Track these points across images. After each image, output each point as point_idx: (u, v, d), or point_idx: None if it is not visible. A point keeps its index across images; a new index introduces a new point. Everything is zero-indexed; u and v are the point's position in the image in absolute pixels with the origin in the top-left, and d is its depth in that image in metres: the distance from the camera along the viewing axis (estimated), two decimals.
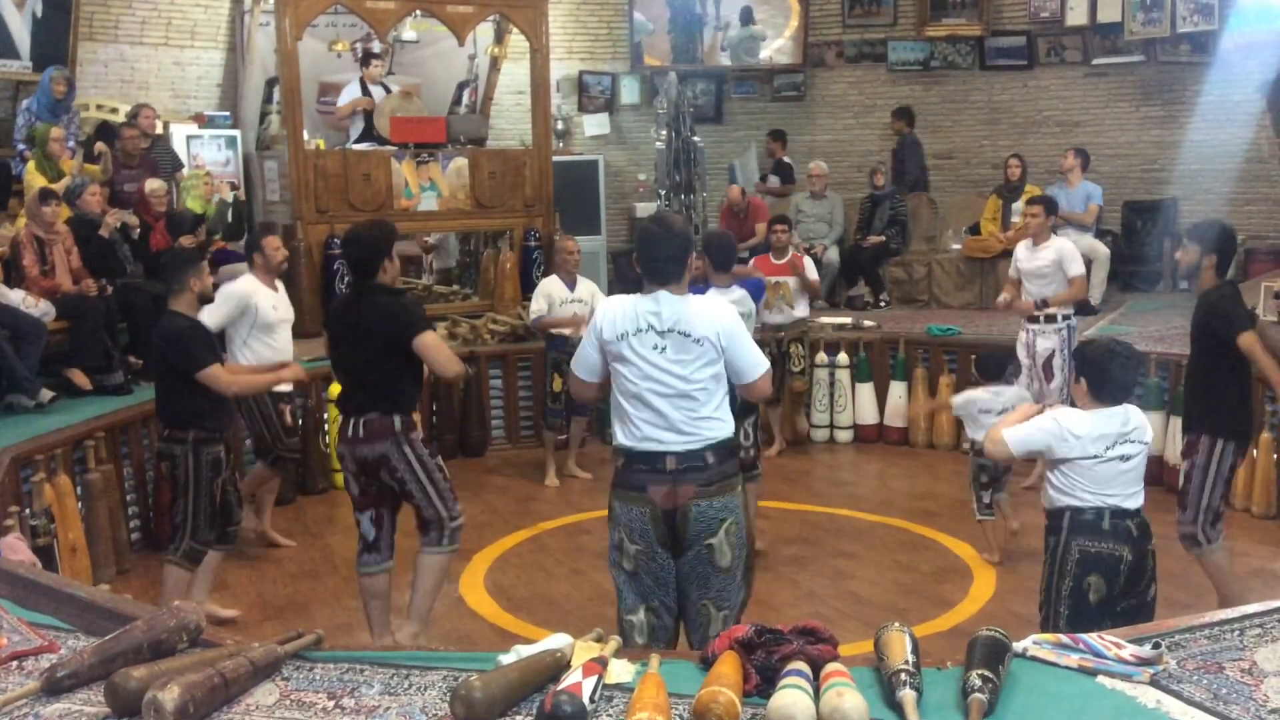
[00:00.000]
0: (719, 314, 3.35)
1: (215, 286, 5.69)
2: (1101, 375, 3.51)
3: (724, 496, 3.32)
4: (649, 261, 3.36)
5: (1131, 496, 3.48)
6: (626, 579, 3.41)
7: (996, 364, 6.06)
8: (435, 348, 4.35)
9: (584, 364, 3.48)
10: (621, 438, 3.37)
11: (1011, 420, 3.69)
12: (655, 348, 3.27)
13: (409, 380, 4.39)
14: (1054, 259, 6.62)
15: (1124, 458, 3.46)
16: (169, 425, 4.91)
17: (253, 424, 6.09)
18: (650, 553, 3.32)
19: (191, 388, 4.72)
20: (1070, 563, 3.48)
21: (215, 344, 5.05)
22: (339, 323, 4.50)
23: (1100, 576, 3.44)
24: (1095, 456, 3.44)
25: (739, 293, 5.88)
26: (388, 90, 9.68)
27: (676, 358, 3.27)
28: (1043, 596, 3.65)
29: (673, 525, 3.30)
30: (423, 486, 4.35)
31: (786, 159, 11.13)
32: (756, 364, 3.39)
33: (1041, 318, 6.72)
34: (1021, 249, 6.87)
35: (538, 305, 7.39)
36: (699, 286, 5.92)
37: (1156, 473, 7.03)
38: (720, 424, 3.34)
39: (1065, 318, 6.70)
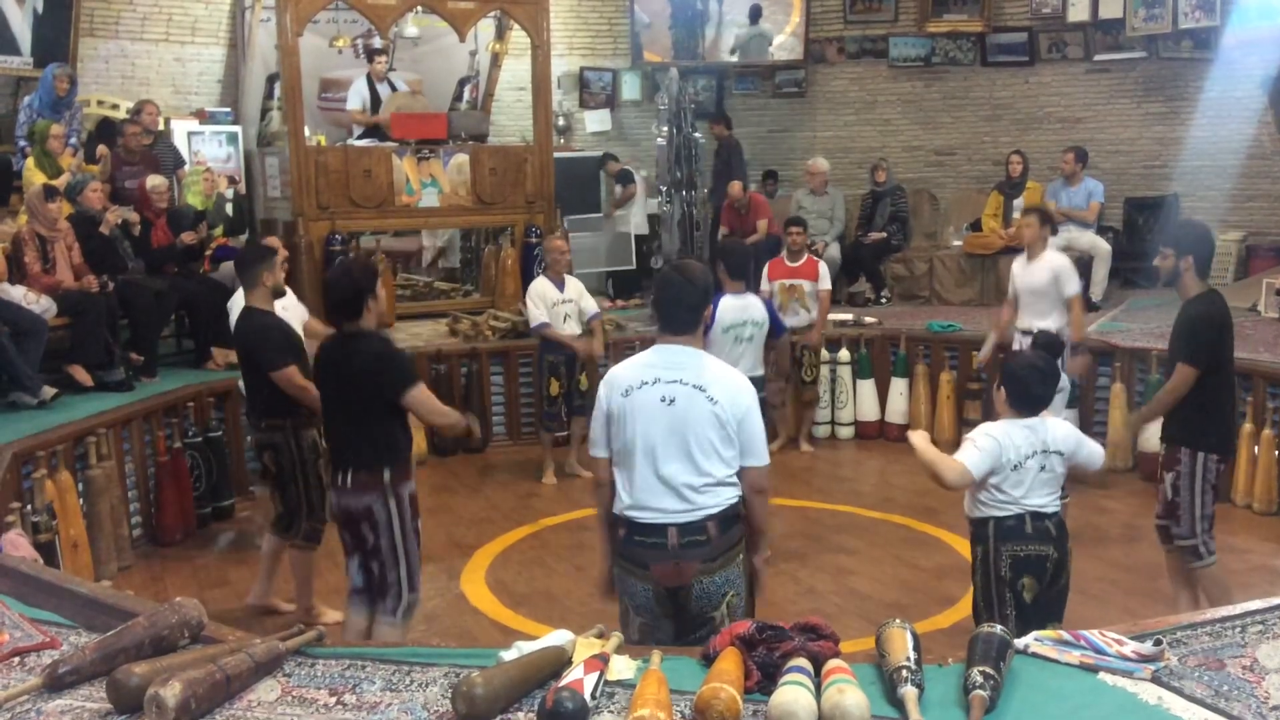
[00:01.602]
0: (740, 388, 3.19)
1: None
2: (1021, 387, 3.71)
3: (726, 569, 3.20)
4: (667, 308, 3.25)
5: (1049, 503, 3.66)
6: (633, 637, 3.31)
7: (1048, 343, 5.99)
8: (426, 403, 4.20)
9: (597, 440, 3.33)
10: (623, 504, 3.23)
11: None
12: (663, 399, 3.14)
13: (399, 429, 4.22)
14: (1049, 277, 6.46)
15: (1043, 467, 3.64)
16: (265, 416, 5.04)
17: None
18: (655, 624, 3.25)
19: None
20: (1004, 568, 3.63)
21: (296, 345, 5.02)
22: (327, 368, 4.31)
23: (1032, 577, 3.62)
24: (1016, 466, 3.61)
25: (753, 300, 5.88)
26: (394, 87, 9.68)
27: (686, 412, 3.12)
28: (979, 603, 3.76)
29: (676, 600, 3.20)
30: (395, 551, 4.18)
31: (625, 168, 10.90)
32: (760, 453, 3.23)
33: (1034, 330, 6.59)
34: (1017, 265, 6.66)
35: (536, 312, 7.20)
36: (715, 296, 5.92)
37: (1153, 470, 7.03)
38: (725, 489, 3.18)
39: (1059, 332, 6.56)
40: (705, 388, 3.13)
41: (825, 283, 7.85)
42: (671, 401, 3.14)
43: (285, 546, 5.25)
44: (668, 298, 3.27)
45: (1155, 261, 4.92)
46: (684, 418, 3.13)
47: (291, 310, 6.01)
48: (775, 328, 6.12)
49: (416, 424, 4.42)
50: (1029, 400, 3.71)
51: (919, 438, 3.84)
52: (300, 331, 5.97)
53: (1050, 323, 6.49)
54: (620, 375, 3.26)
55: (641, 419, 3.16)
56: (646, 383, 3.17)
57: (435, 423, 4.32)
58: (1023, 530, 3.61)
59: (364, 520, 4.18)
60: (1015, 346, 6.69)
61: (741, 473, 3.23)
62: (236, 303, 5.78)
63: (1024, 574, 3.60)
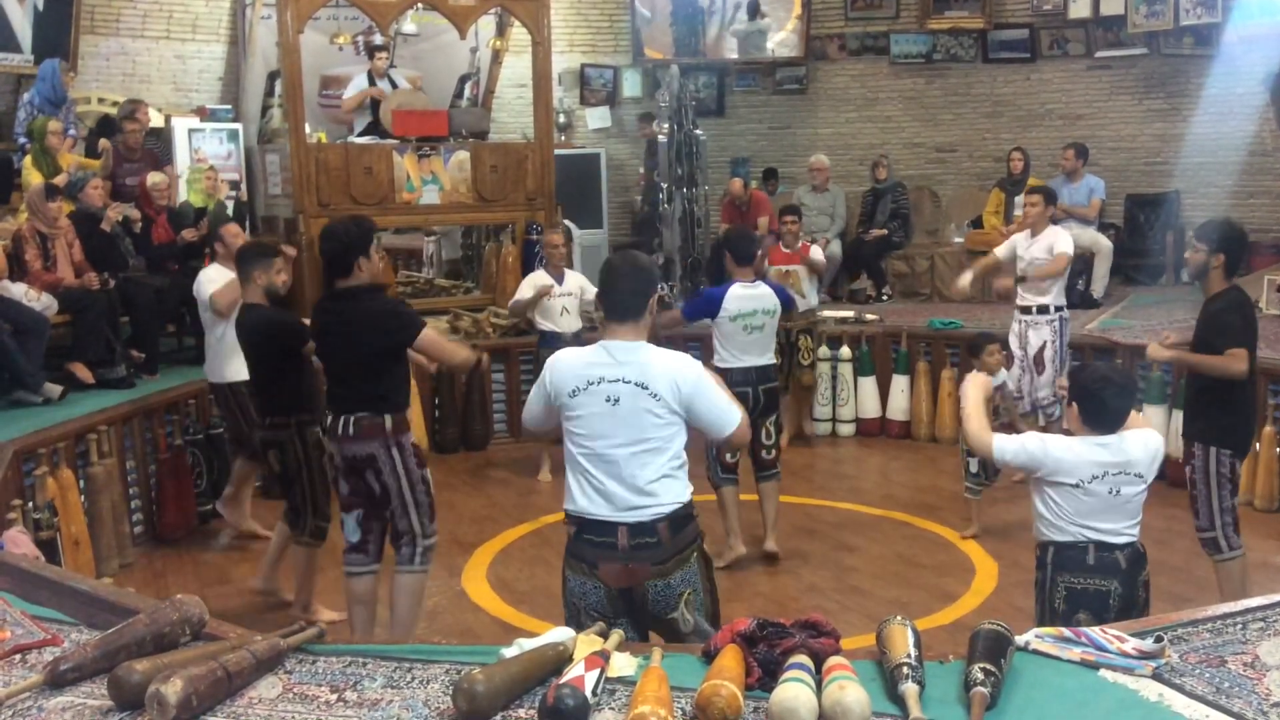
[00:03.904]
0: (680, 372, 3.10)
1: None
2: (1095, 403, 3.38)
3: (681, 570, 3.12)
4: (610, 294, 3.20)
5: (1122, 532, 3.35)
6: None
7: (988, 342, 6.24)
8: (437, 343, 4.36)
9: (532, 415, 3.30)
10: (571, 503, 3.17)
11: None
12: (608, 399, 3.07)
13: (401, 378, 4.30)
14: (1050, 252, 6.60)
15: (1114, 491, 3.31)
16: (270, 414, 5.03)
17: (229, 414, 6.10)
18: (611, 624, 3.07)
19: (285, 375, 4.84)
20: (1058, 599, 3.39)
21: (302, 330, 4.92)
22: (325, 322, 4.31)
23: (1089, 613, 3.31)
24: (1078, 485, 3.31)
25: (763, 288, 5.84)
26: (394, 84, 9.68)
27: (631, 411, 3.06)
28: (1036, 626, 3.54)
29: (630, 600, 3.13)
30: (402, 496, 4.23)
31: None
32: (725, 415, 3.16)
33: (1034, 309, 6.68)
34: (1020, 238, 6.86)
35: (520, 292, 7.36)
36: (722, 285, 5.90)
37: (1159, 466, 7.03)
38: (675, 487, 3.11)
39: (1058, 309, 6.65)
40: (647, 384, 3.07)
41: (817, 256, 8.01)
42: (616, 401, 3.07)
43: (287, 532, 5.27)
44: (611, 283, 3.22)
45: (1186, 254, 4.98)
46: (629, 418, 3.07)
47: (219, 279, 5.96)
48: (784, 303, 6.01)
49: (414, 414, 4.43)
50: (1106, 416, 3.38)
51: (974, 388, 3.62)
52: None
53: (1049, 299, 6.60)
54: (565, 369, 3.17)
55: (585, 421, 3.11)
56: (592, 382, 3.10)
57: (448, 360, 4.43)
58: (1084, 561, 3.34)
59: (368, 468, 4.21)
60: (1014, 326, 6.78)
61: (723, 443, 3.22)
62: (205, 277, 5.78)
63: (1080, 608, 3.31)
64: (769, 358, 5.83)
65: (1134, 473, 3.33)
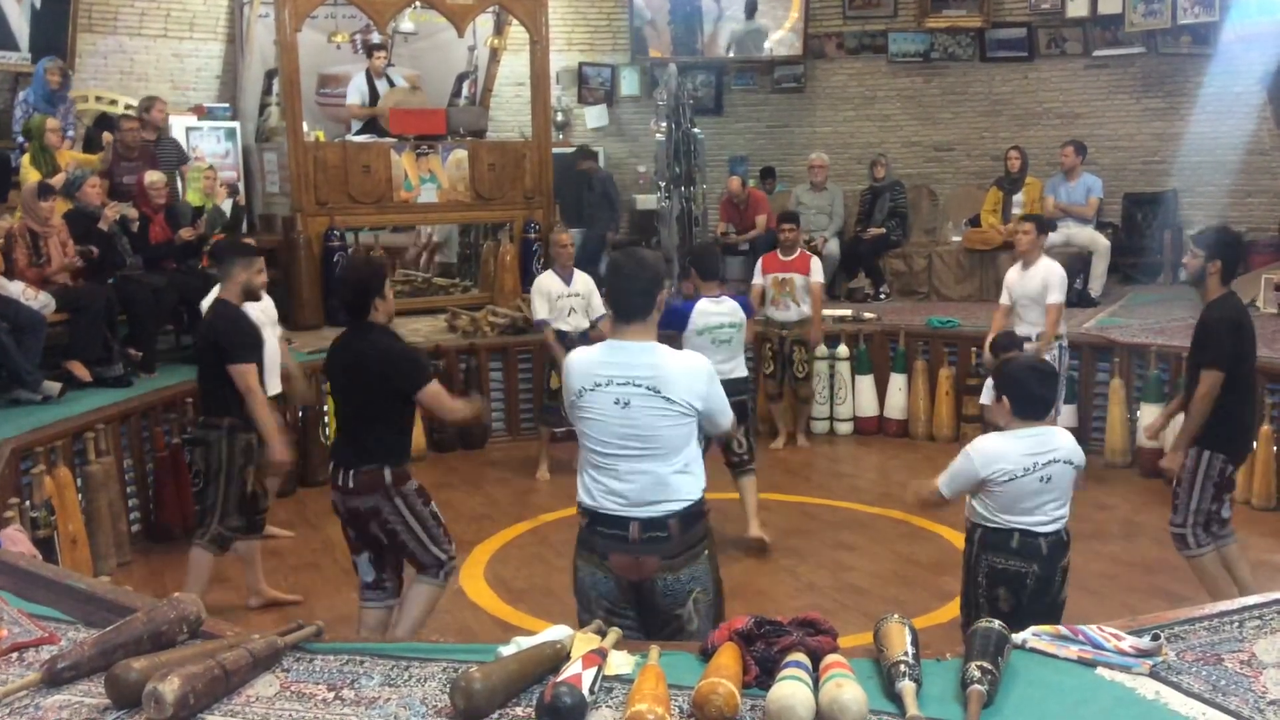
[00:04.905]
0: (696, 373, 3.13)
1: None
2: (1024, 393, 3.61)
3: (690, 566, 3.14)
4: (617, 295, 3.21)
5: (1049, 521, 3.55)
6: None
7: (1008, 344, 6.15)
8: (439, 397, 4.28)
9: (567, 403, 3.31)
10: (583, 496, 3.18)
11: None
12: (617, 402, 3.06)
13: (404, 427, 4.31)
14: (1042, 283, 6.49)
15: (1045, 479, 3.51)
16: (205, 412, 5.00)
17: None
18: (619, 615, 3.16)
19: (229, 376, 4.81)
20: (980, 574, 3.62)
21: (257, 341, 4.96)
22: (336, 365, 4.34)
23: (1008, 589, 3.56)
24: (1012, 477, 3.50)
25: (730, 303, 5.88)
26: (392, 82, 9.68)
27: (641, 414, 3.05)
28: (962, 600, 3.82)
29: (639, 594, 3.16)
30: (416, 536, 4.25)
31: None
32: (727, 410, 3.26)
33: (1034, 336, 6.59)
34: (1013, 273, 6.66)
35: (539, 306, 7.25)
36: (689, 301, 5.93)
37: (1152, 467, 7.04)
38: (687, 485, 3.13)
39: (1057, 339, 6.56)
40: (660, 388, 3.05)
41: (817, 275, 7.82)
42: (626, 404, 3.06)
43: (249, 543, 5.22)
44: (617, 284, 3.22)
45: (1184, 259, 5.00)
46: (639, 420, 3.06)
47: (268, 312, 5.93)
48: (745, 309, 6.03)
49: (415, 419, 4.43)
50: (1033, 404, 3.60)
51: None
52: (274, 343, 5.88)
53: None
54: (576, 367, 3.19)
55: (595, 422, 3.11)
56: (600, 384, 3.09)
57: (448, 418, 4.33)
58: (1008, 545, 3.56)
59: (372, 520, 4.22)
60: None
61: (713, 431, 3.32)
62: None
63: (1000, 585, 3.57)
64: (739, 370, 5.89)
65: (1063, 459, 3.54)
